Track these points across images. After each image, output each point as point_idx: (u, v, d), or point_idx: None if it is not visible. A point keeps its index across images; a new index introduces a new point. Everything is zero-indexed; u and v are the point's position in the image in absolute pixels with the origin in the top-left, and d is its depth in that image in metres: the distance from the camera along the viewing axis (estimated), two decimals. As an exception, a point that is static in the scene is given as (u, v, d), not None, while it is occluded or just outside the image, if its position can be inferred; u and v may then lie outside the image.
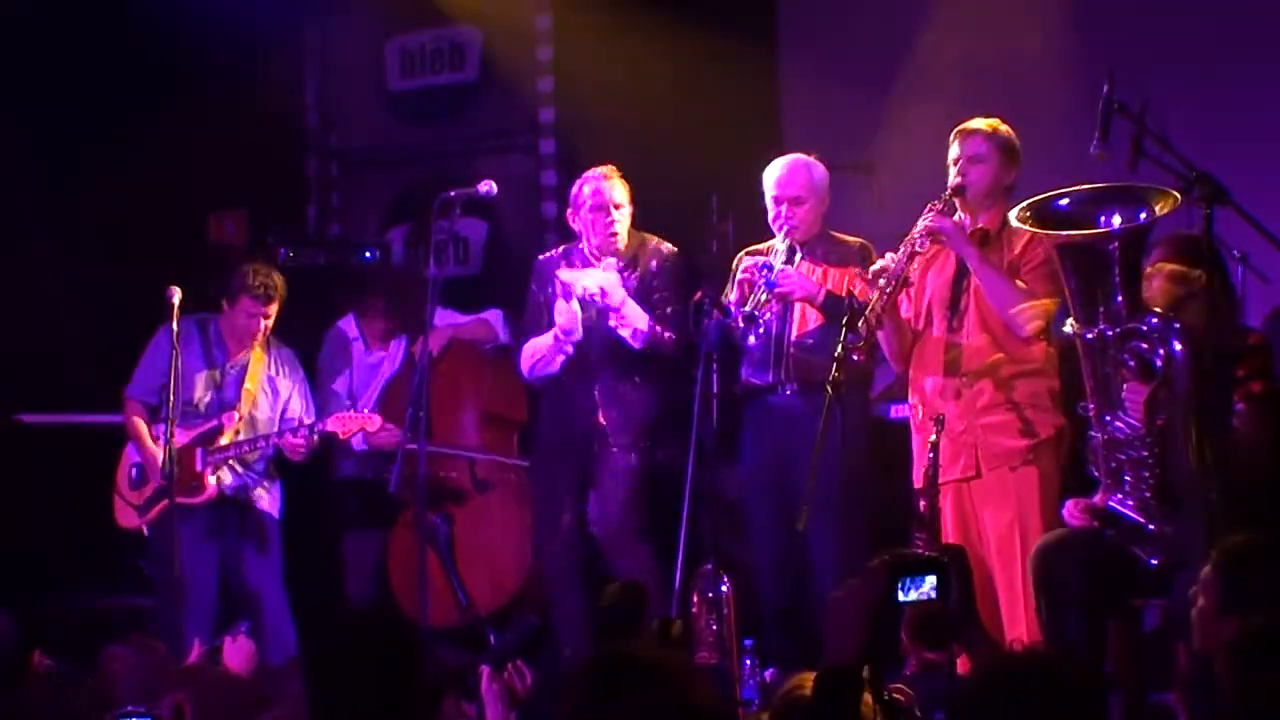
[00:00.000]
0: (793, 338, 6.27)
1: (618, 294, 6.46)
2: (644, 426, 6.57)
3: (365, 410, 7.20)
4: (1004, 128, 5.87)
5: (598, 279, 6.47)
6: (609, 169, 6.64)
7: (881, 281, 5.65)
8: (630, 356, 6.54)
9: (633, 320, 6.46)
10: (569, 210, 6.71)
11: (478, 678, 4.92)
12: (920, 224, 5.68)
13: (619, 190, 6.60)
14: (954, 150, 5.84)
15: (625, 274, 6.58)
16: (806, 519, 5.61)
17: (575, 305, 6.52)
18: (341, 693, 3.46)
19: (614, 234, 6.58)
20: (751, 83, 8.21)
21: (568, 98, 8.76)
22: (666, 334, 6.50)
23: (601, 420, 6.56)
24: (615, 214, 6.58)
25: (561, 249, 6.80)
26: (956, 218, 5.79)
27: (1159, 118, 5.29)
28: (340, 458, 7.49)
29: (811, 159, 6.34)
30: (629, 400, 6.56)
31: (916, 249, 5.67)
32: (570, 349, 6.59)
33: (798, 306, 6.24)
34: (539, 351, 6.66)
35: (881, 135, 7.54)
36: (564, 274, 6.53)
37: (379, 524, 7.47)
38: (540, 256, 6.82)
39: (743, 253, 6.40)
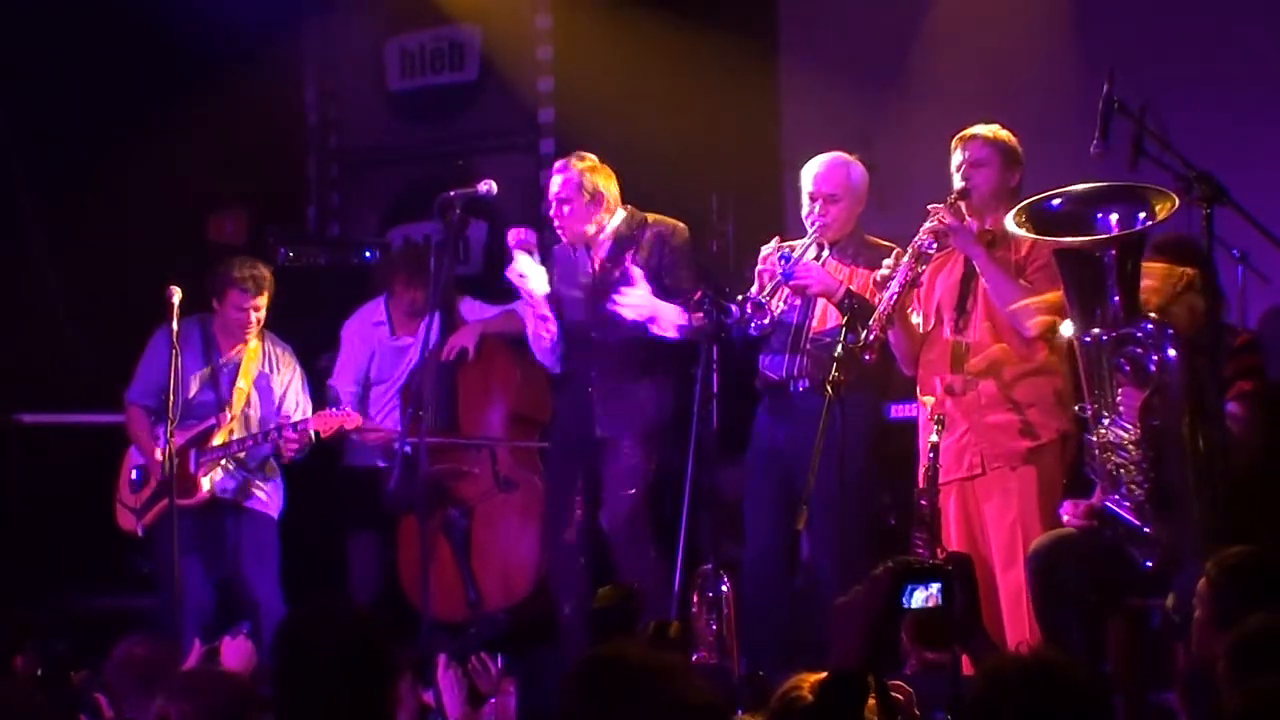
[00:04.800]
0: (810, 334, 6.23)
1: (645, 309, 6.42)
2: (651, 426, 6.56)
3: (365, 402, 7.18)
4: (1004, 132, 5.88)
5: (634, 298, 6.43)
6: (563, 160, 6.62)
7: (891, 284, 5.65)
8: (637, 354, 6.53)
9: (666, 324, 6.41)
10: None
11: (434, 666, 4.95)
12: (927, 225, 5.69)
13: (555, 182, 6.57)
14: (956, 157, 5.85)
15: (630, 257, 6.55)
16: (806, 519, 5.60)
17: (522, 266, 6.51)
18: (306, 694, 3.45)
19: (557, 228, 6.59)
20: (751, 83, 8.20)
21: (568, 98, 8.76)
22: (697, 316, 6.41)
23: (606, 417, 6.55)
24: (556, 208, 6.56)
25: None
26: (964, 223, 5.80)
27: (1159, 118, 5.29)
28: (350, 446, 7.47)
29: (853, 159, 6.27)
30: (635, 397, 6.55)
31: (924, 250, 5.68)
32: (546, 312, 6.57)
33: (820, 302, 6.16)
34: (530, 336, 6.70)
35: (881, 135, 7.53)
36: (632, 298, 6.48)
37: (386, 516, 7.44)
38: (515, 231, 6.74)
39: (773, 244, 6.34)
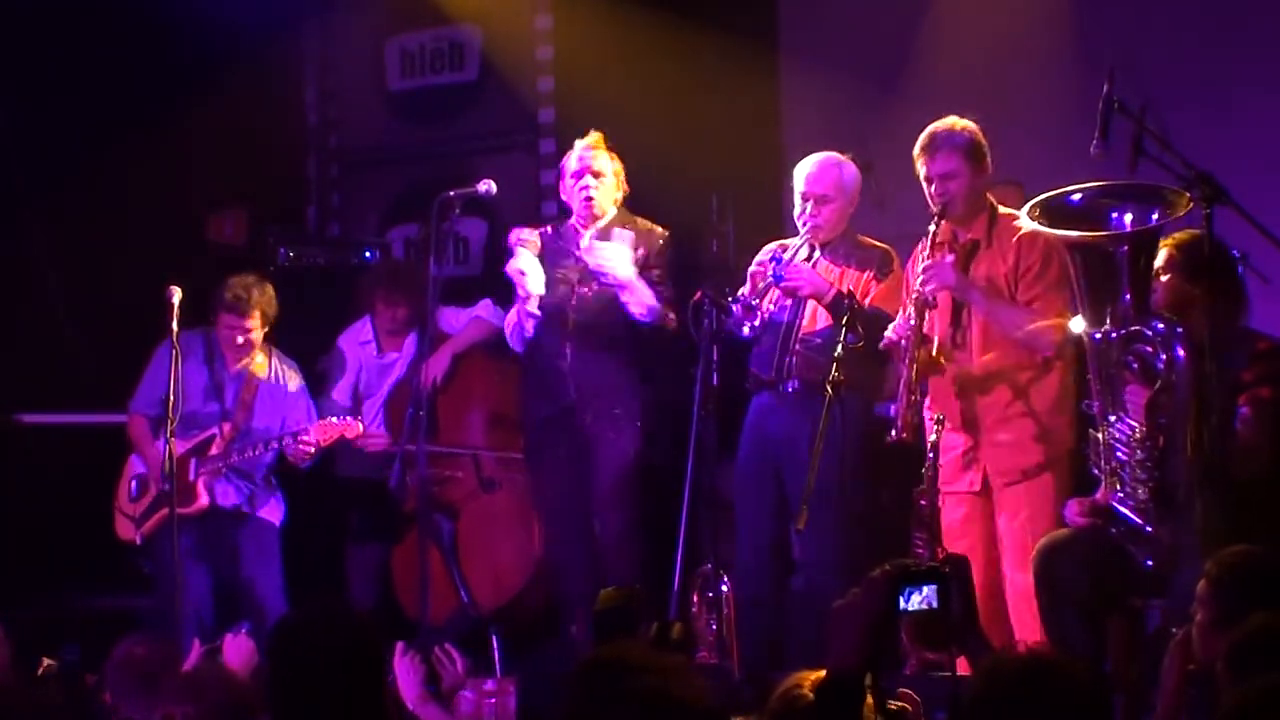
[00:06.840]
0: (800, 334, 6.22)
1: (626, 269, 6.43)
2: (630, 405, 6.56)
3: (358, 416, 7.19)
4: (960, 124, 5.81)
5: (610, 252, 6.43)
6: (596, 138, 6.63)
7: (904, 344, 5.64)
8: (618, 331, 6.54)
9: (642, 297, 6.43)
10: (560, 181, 6.75)
11: (390, 651, 4.94)
12: (922, 278, 5.65)
13: (601, 159, 6.60)
14: (921, 169, 5.79)
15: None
16: (806, 519, 5.58)
17: (523, 263, 6.51)
18: (303, 694, 3.46)
19: (588, 199, 6.57)
20: (751, 83, 8.20)
21: (568, 98, 8.76)
22: (670, 314, 6.46)
23: (581, 393, 6.54)
24: (591, 181, 6.58)
25: (551, 226, 6.78)
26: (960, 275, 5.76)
27: (1159, 118, 5.29)
28: (343, 457, 7.48)
29: (845, 159, 6.25)
30: (613, 371, 6.55)
31: (928, 302, 5.66)
32: (535, 310, 6.56)
33: (811, 303, 6.16)
34: (509, 322, 6.71)
35: (881, 135, 7.52)
36: (585, 244, 6.48)
37: (383, 523, 7.45)
38: (518, 230, 6.72)
39: (766, 247, 6.35)
